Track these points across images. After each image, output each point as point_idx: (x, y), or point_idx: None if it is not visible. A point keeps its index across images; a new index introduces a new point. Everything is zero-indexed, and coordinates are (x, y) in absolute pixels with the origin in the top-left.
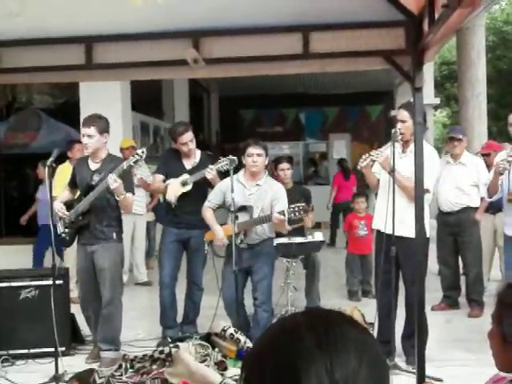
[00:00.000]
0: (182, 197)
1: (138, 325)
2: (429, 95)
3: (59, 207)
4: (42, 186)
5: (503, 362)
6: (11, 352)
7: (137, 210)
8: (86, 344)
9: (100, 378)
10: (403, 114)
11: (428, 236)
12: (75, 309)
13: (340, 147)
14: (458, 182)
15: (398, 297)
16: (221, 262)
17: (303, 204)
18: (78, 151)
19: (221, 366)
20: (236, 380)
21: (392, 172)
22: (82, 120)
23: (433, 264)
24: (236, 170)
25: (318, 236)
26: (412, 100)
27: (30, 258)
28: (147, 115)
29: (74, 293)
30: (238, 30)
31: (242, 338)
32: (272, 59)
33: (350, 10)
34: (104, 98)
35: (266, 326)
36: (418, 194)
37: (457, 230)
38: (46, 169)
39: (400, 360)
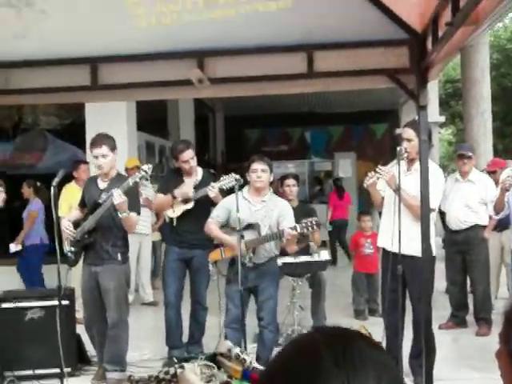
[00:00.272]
0: (184, 215)
1: (144, 345)
2: (434, 113)
3: (66, 225)
4: (28, 205)
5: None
6: (16, 373)
7: (143, 230)
8: (91, 365)
9: None
10: (409, 133)
11: (434, 254)
12: (81, 329)
13: (345, 166)
14: (467, 199)
15: (405, 316)
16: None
17: (315, 218)
18: (83, 172)
19: None
20: None
21: (398, 190)
22: (88, 140)
23: (439, 282)
24: (239, 188)
25: (324, 255)
26: (417, 118)
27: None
28: (153, 135)
29: (80, 313)
30: (243, 49)
31: (248, 359)
32: (276, 79)
33: (353, 29)
34: (110, 119)
35: (272, 347)
36: (424, 212)
37: (465, 248)
38: (52, 189)
39: (408, 380)
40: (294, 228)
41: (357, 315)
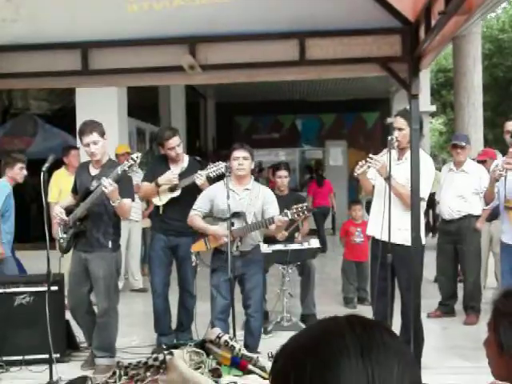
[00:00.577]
0: (170, 202)
1: (133, 332)
2: (425, 103)
3: (58, 212)
4: None
5: (499, 370)
6: (5, 358)
7: (133, 217)
8: (81, 350)
9: None
10: (400, 122)
11: (423, 243)
12: (70, 315)
13: (336, 154)
14: (460, 189)
15: (394, 304)
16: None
17: (305, 204)
18: (73, 157)
19: (215, 374)
20: None
21: (388, 179)
22: (78, 126)
23: (428, 271)
24: (221, 177)
25: (314, 243)
26: (408, 107)
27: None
28: (143, 121)
29: None
30: (235, 36)
31: (237, 346)
32: (268, 66)
33: (346, 17)
34: (100, 104)
35: (259, 334)
36: (414, 201)
37: (457, 238)
38: (42, 175)
39: None
40: (285, 214)
41: (346, 303)
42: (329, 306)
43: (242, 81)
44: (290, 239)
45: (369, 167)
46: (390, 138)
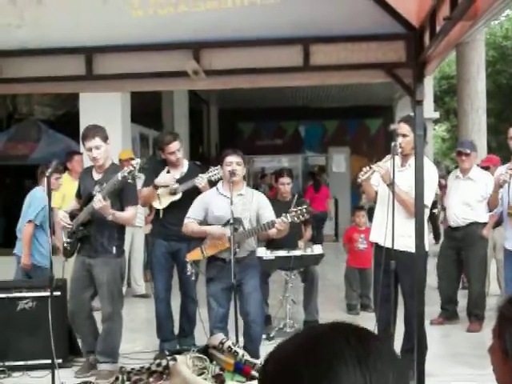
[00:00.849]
0: (171, 207)
1: (136, 337)
2: (428, 109)
3: (62, 216)
4: None
5: (504, 377)
6: (7, 363)
7: (136, 223)
8: (83, 356)
9: None
10: (404, 128)
11: (427, 250)
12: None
13: (339, 160)
14: (465, 197)
15: (397, 311)
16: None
17: (305, 206)
18: (76, 162)
19: (218, 379)
20: None
21: (391, 185)
22: (82, 131)
23: (431, 278)
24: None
25: (317, 249)
26: (412, 114)
27: None
28: (147, 127)
29: None
30: (239, 41)
31: (240, 351)
32: (272, 71)
33: (350, 23)
34: (104, 110)
35: (260, 340)
36: (418, 207)
37: (462, 244)
38: (45, 179)
39: None
40: (285, 217)
41: (349, 310)
42: (332, 312)
43: (246, 86)
44: (292, 246)
45: (373, 173)
46: (393, 144)
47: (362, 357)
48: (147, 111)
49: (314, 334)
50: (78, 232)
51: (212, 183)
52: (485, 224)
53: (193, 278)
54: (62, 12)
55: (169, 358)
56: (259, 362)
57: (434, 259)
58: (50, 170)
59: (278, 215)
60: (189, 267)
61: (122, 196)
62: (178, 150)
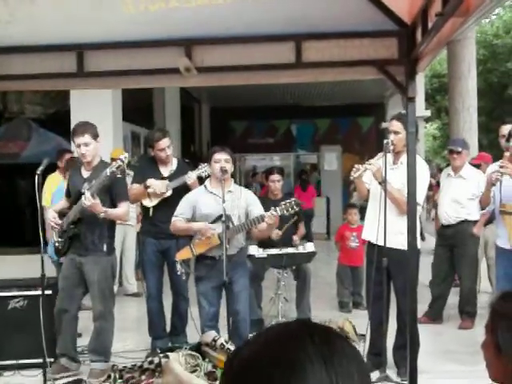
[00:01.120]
0: (160, 204)
1: (127, 336)
2: (419, 107)
3: (51, 216)
4: None
5: (497, 372)
6: None
7: (127, 221)
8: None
9: None
10: (396, 125)
11: (419, 247)
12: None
13: (331, 159)
14: (456, 194)
15: (390, 309)
16: None
17: (294, 199)
18: (67, 161)
19: (211, 377)
20: None
21: (383, 183)
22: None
23: (423, 275)
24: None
25: (309, 247)
26: (403, 111)
27: (19, 268)
28: (138, 125)
29: None
30: (231, 38)
31: (233, 349)
32: (264, 68)
33: (342, 20)
34: (95, 108)
35: (248, 337)
36: (410, 205)
37: (453, 242)
38: (36, 178)
39: (392, 372)
40: (274, 210)
41: (341, 307)
42: (323, 310)
43: (238, 83)
44: (286, 243)
45: (365, 170)
46: (385, 141)
47: (327, 356)
48: (138, 109)
49: (279, 332)
50: (69, 231)
51: (201, 180)
52: (476, 222)
53: (183, 278)
54: (53, 9)
55: (161, 355)
56: None
57: (425, 257)
58: (41, 168)
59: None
60: (178, 267)
61: (113, 192)
62: (167, 146)
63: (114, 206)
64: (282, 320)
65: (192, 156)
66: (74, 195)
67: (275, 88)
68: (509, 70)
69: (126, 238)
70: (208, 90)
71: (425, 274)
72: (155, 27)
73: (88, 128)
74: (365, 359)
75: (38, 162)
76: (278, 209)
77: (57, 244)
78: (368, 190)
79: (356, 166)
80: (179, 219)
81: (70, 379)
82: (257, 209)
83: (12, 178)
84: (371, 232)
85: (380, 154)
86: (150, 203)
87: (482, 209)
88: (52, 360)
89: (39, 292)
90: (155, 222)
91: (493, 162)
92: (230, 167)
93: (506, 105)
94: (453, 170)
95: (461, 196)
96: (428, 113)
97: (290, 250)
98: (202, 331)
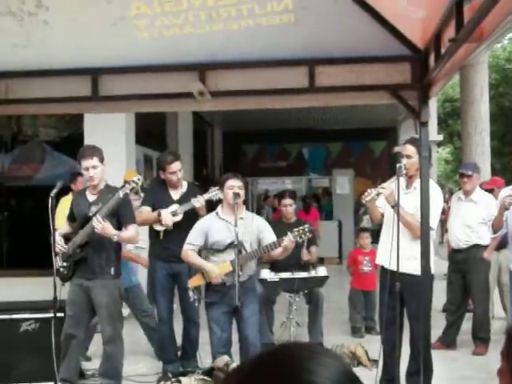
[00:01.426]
0: (171, 228)
1: (139, 359)
2: (432, 132)
3: (57, 240)
4: None
5: None
6: None
7: (139, 244)
8: (86, 378)
9: None
10: (409, 149)
11: (433, 272)
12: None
13: (343, 182)
14: (467, 219)
15: (403, 334)
16: None
17: (307, 225)
18: (80, 184)
19: None
20: None
21: (396, 207)
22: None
23: (436, 300)
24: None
25: (322, 271)
26: (416, 136)
27: (32, 290)
28: (151, 149)
29: None
30: (244, 63)
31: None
32: (277, 93)
33: (356, 45)
34: (108, 132)
35: None
36: (424, 228)
37: (464, 267)
38: (50, 200)
39: None
40: (289, 237)
41: (353, 332)
42: (335, 335)
43: (251, 108)
44: (297, 267)
45: (378, 194)
46: (398, 165)
47: None
48: (151, 133)
49: (272, 356)
50: (75, 255)
51: (211, 203)
52: (486, 246)
53: (196, 304)
54: (69, 33)
55: (173, 379)
56: None
57: (439, 281)
58: (54, 191)
59: (282, 237)
60: (191, 293)
61: (120, 215)
62: (179, 170)
63: (119, 229)
64: None
65: (204, 179)
66: (80, 219)
67: (287, 112)
68: None
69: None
70: (221, 114)
71: (437, 298)
72: (169, 52)
73: (96, 151)
74: None
75: (52, 184)
76: (291, 235)
77: (61, 269)
78: (382, 215)
79: (368, 190)
80: (192, 248)
81: None
82: (269, 235)
83: (25, 200)
84: (384, 256)
85: (393, 178)
86: (160, 227)
87: (495, 233)
88: None
89: (51, 314)
90: (166, 245)
91: (506, 186)
92: (242, 194)
93: None
94: (463, 194)
95: (471, 220)
96: (440, 137)
97: (303, 274)
98: (213, 357)
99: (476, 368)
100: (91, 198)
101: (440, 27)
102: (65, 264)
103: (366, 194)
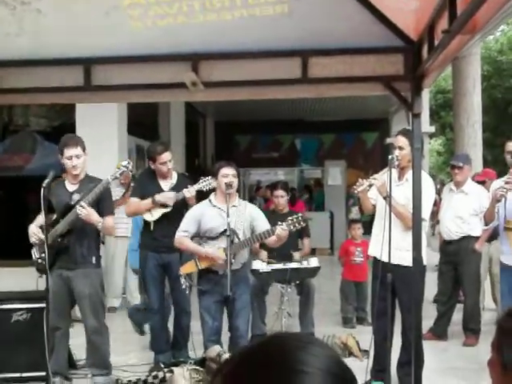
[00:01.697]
0: (161, 219)
1: (130, 350)
2: (424, 123)
3: (35, 231)
4: None
5: None
6: (2, 376)
7: (123, 233)
8: (77, 368)
9: None
10: (401, 140)
11: (425, 264)
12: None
13: (335, 174)
14: (458, 210)
15: (395, 325)
16: None
17: (300, 214)
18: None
19: None
20: None
21: (388, 198)
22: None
23: (428, 291)
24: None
25: (313, 262)
26: (408, 127)
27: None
28: (143, 139)
29: None
30: (237, 53)
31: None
32: (270, 83)
33: (349, 36)
34: (100, 121)
35: None
36: (415, 221)
37: (455, 258)
38: (42, 190)
39: None
40: (283, 225)
41: (345, 323)
42: (327, 326)
43: (244, 98)
44: (288, 258)
45: (369, 185)
46: (390, 156)
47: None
48: (143, 123)
49: (261, 345)
50: (56, 244)
51: (202, 193)
52: (478, 238)
53: (187, 292)
54: (61, 22)
55: (165, 370)
56: None
57: (430, 272)
58: (46, 181)
59: (275, 225)
60: (183, 280)
61: (101, 206)
62: (169, 160)
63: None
64: None
65: (196, 169)
66: (61, 208)
67: (280, 103)
68: None
69: (117, 249)
70: (213, 105)
71: (429, 290)
72: (162, 42)
73: (79, 140)
74: (368, 375)
75: (43, 174)
76: (285, 224)
77: (40, 260)
78: (373, 206)
79: (360, 180)
80: (185, 235)
81: None
82: (262, 223)
83: (16, 190)
84: (377, 248)
85: (385, 169)
86: (151, 217)
87: (486, 225)
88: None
89: (42, 305)
90: (156, 236)
91: (497, 178)
92: (236, 182)
93: (511, 121)
94: (455, 186)
95: (463, 211)
96: (432, 129)
97: (295, 264)
98: (205, 346)
99: (466, 359)
100: (71, 187)
101: (433, 18)
102: (43, 255)
103: (357, 184)
